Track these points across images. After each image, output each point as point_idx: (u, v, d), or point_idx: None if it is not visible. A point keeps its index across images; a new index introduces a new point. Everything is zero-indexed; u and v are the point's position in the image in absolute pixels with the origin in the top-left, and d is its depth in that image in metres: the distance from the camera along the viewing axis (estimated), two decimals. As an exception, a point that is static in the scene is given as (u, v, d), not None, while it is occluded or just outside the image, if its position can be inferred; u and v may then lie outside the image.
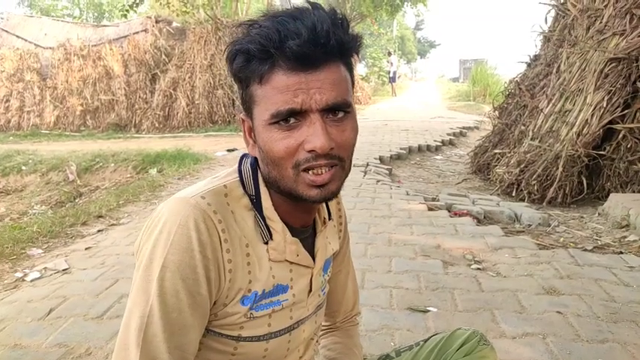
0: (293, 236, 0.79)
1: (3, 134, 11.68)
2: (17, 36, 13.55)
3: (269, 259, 0.76)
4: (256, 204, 0.76)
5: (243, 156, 0.81)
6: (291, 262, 0.79)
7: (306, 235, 0.83)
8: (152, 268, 0.66)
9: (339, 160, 0.70)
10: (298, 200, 0.74)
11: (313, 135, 0.66)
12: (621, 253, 2.72)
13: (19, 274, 2.63)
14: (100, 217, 3.84)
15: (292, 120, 0.67)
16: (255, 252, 0.74)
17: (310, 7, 0.66)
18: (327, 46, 0.65)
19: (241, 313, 0.74)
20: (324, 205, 0.87)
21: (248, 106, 0.71)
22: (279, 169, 0.70)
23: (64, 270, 2.64)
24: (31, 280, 2.54)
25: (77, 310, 2.10)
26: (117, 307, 2.12)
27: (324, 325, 1.07)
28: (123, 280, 2.42)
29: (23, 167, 7.90)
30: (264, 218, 0.75)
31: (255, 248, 0.74)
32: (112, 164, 7.44)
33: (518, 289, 2.19)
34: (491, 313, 1.97)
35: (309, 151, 0.67)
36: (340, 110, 0.69)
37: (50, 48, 12.70)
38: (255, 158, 0.77)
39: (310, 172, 0.68)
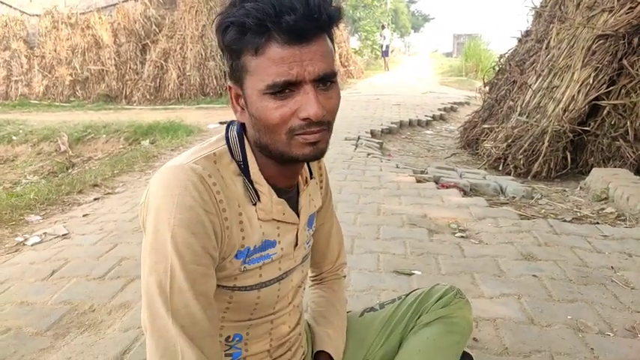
0: (279, 197, 0.86)
1: (-10, 104, 11.54)
2: (1, 2, 13.19)
3: (258, 219, 0.83)
4: (244, 169, 0.82)
5: (230, 123, 0.86)
6: (278, 221, 0.87)
7: (290, 194, 0.90)
8: (163, 230, 0.72)
9: (327, 125, 0.77)
10: (289, 161, 0.81)
11: (307, 104, 0.72)
12: (597, 223, 2.86)
13: (19, 239, 2.72)
14: (96, 185, 3.90)
15: (287, 90, 0.72)
16: (246, 212, 0.82)
17: None
18: (320, 20, 0.71)
19: (235, 267, 0.82)
20: (306, 166, 0.94)
21: (238, 75, 0.76)
22: (271, 135, 0.76)
23: (63, 235, 2.73)
24: (32, 245, 2.63)
25: (79, 272, 2.20)
26: (117, 269, 2.22)
27: (311, 276, 1.17)
28: (122, 245, 2.51)
29: (14, 137, 7.86)
30: (251, 182, 0.82)
31: (246, 209, 0.82)
32: (104, 135, 7.44)
33: (498, 255, 2.33)
34: (472, 277, 2.10)
35: (303, 119, 0.73)
36: (328, 80, 0.75)
37: (36, 15, 12.41)
38: (242, 125, 0.84)
39: (302, 135, 0.75)
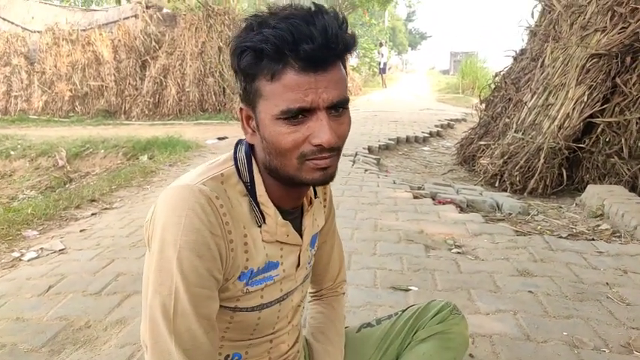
0: (283, 218, 0.86)
1: (-10, 119, 11.56)
2: (3, 18, 13.31)
3: (262, 240, 0.84)
4: (251, 190, 0.83)
5: (238, 143, 0.87)
6: (282, 242, 0.88)
7: (295, 215, 0.91)
8: (169, 251, 0.73)
9: (337, 150, 0.78)
10: (298, 185, 0.83)
11: (320, 131, 0.73)
12: (593, 239, 2.87)
13: (16, 254, 2.71)
14: (93, 201, 3.91)
15: (300, 116, 0.73)
16: (251, 233, 0.82)
17: (317, 10, 0.72)
18: (337, 49, 0.72)
19: (238, 288, 0.83)
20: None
21: (251, 98, 0.77)
22: (282, 159, 0.77)
23: (60, 250, 2.73)
24: (29, 260, 2.62)
25: (76, 287, 2.19)
26: (114, 285, 2.21)
27: (311, 292, 1.17)
28: (119, 260, 2.51)
29: (12, 152, 7.86)
30: (258, 204, 0.83)
31: (251, 230, 0.82)
32: (102, 150, 7.46)
33: (494, 271, 2.33)
34: (468, 292, 2.11)
35: (316, 145, 0.74)
36: (341, 106, 0.76)
37: (38, 32, 12.52)
38: (250, 146, 0.84)
39: (314, 160, 0.76)
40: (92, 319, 1.90)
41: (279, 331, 0.95)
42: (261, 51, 0.71)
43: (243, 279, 0.82)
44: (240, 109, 0.82)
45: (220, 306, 0.81)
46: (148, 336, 0.75)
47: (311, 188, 0.96)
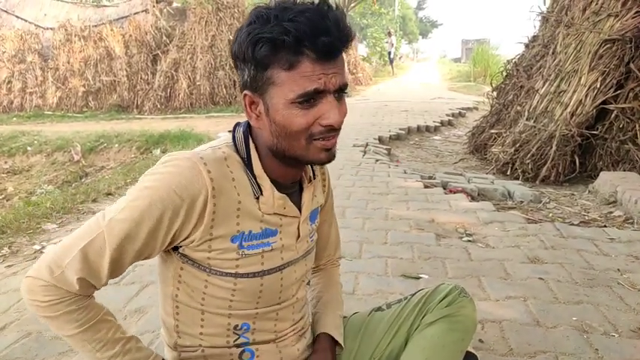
0: (281, 192, 0.93)
1: (6, 115, 11.75)
2: (17, 16, 13.49)
3: (259, 210, 0.90)
4: (248, 165, 0.89)
5: (236, 125, 0.94)
6: (280, 214, 0.94)
7: (293, 190, 0.97)
8: (138, 187, 0.83)
9: (339, 130, 0.86)
10: (301, 164, 0.91)
11: (330, 112, 0.81)
12: (605, 226, 2.87)
13: (37, 247, 2.80)
14: (110, 194, 3.99)
15: (311, 100, 0.80)
16: (246, 202, 0.88)
17: (327, 4, 0.80)
18: (347, 41, 0.81)
19: (233, 250, 0.88)
20: (309, 167, 1.02)
21: (260, 85, 0.82)
22: (291, 140, 0.83)
23: (79, 242, 2.80)
24: (49, 252, 2.70)
25: (95, 278, 2.26)
26: (132, 275, 2.28)
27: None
28: (136, 251, 2.58)
29: (28, 148, 8.03)
30: (255, 177, 0.89)
31: (246, 199, 0.88)
32: (116, 145, 7.57)
33: (505, 259, 2.35)
34: (478, 280, 2.13)
35: (326, 126, 0.82)
36: (343, 91, 0.84)
37: (51, 29, 12.68)
38: (248, 127, 0.92)
39: (321, 140, 0.84)
40: (112, 308, 1.92)
41: (284, 302, 1.00)
42: (282, 42, 0.77)
43: (235, 241, 0.88)
44: (244, 95, 0.86)
45: (223, 273, 0.89)
46: (86, 224, 0.85)
47: (310, 169, 1.02)
